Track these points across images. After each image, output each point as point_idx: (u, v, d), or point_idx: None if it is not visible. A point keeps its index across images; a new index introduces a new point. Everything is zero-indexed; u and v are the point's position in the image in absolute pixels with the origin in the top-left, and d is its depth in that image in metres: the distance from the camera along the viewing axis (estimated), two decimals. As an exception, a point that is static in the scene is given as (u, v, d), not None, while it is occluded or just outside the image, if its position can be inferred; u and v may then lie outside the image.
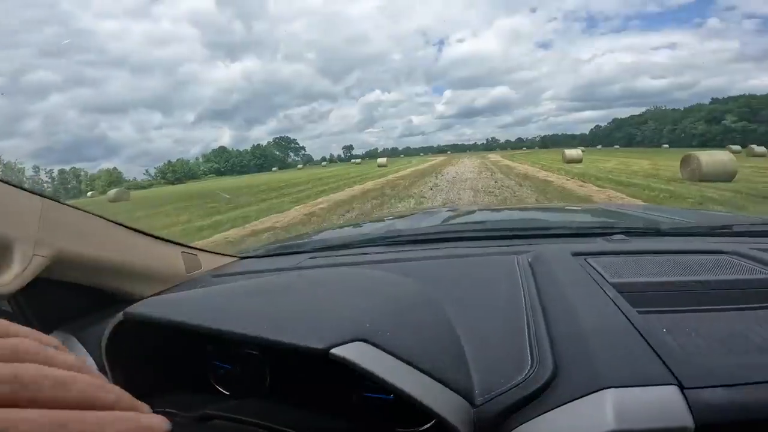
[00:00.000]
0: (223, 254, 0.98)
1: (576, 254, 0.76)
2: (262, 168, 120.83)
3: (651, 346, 0.43)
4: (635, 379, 0.39)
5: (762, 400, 0.36)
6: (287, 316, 0.47)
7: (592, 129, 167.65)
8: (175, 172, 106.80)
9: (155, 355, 0.54)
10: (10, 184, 0.56)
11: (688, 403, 0.36)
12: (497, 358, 0.46)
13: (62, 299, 0.66)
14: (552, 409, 0.39)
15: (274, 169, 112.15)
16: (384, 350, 0.40)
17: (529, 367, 0.43)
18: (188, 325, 0.44)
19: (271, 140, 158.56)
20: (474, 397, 0.41)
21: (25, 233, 0.54)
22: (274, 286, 0.62)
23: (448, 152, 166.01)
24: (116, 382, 0.40)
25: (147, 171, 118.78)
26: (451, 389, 0.40)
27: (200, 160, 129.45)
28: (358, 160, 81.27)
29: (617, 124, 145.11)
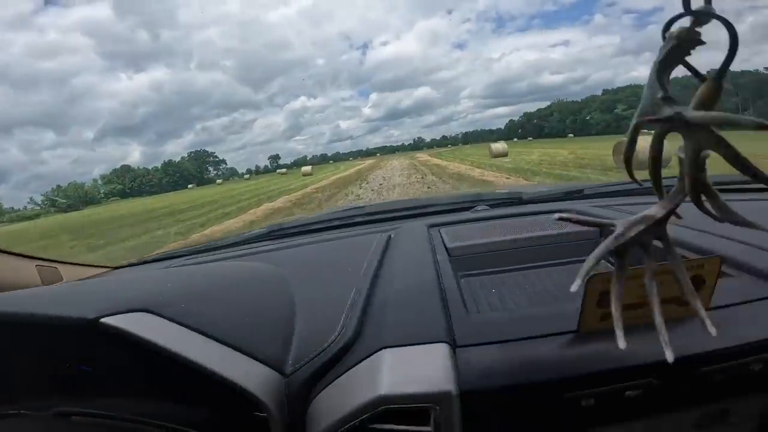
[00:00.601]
0: (93, 266, 0.97)
1: (431, 226, 0.83)
2: (177, 186, 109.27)
3: (444, 309, 0.44)
4: (410, 338, 0.40)
5: (526, 361, 0.37)
6: (73, 299, 0.45)
7: (507, 123, 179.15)
8: (68, 198, 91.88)
9: None
10: None
11: (455, 361, 0.37)
12: (315, 329, 0.47)
13: None
14: (343, 373, 0.40)
15: (190, 186, 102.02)
16: (174, 321, 0.40)
17: (336, 334, 0.45)
18: None
19: (186, 155, 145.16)
20: (285, 367, 0.42)
21: None
22: (98, 282, 0.64)
23: (377, 155, 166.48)
24: None
25: (32, 199, 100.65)
26: (258, 361, 0.41)
27: (99, 182, 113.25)
28: (284, 170, 77.03)
29: (527, 117, 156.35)
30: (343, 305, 0.51)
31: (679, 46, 0.30)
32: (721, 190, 0.30)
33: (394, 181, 14.85)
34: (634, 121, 0.32)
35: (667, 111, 0.29)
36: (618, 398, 0.36)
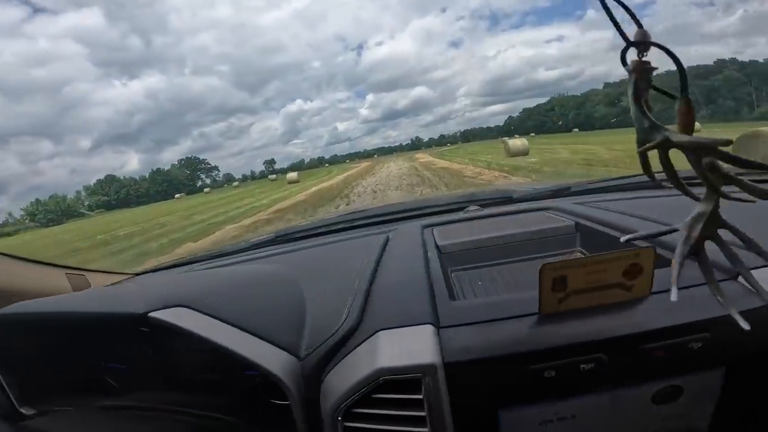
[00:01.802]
0: (117, 272, 1.04)
1: (425, 226, 0.89)
2: (166, 195, 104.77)
3: (431, 298, 0.51)
4: (401, 321, 0.47)
5: (495, 338, 0.43)
6: (121, 299, 0.54)
7: (506, 120, 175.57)
8: (48, 212, 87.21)
9: (41, 357, 0.57)
10: None
11: (440, 340, 0.43)
12: (324, 319, 0.54)
13: None
14: (348, 353, 0.47)
15: (177, 195, 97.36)
16: (206, 314, 0.46)
17: (341, 322, 0.51)
18: (41, 315, 0.51)
19: (176, 162, 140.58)
20: (300, 352, 0.49)
21: None
22: (129, 285, 0.78)
23: (375, 156, 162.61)
24: (8, 384, 0.54)
25: (10, 214, 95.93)
26: (278, 347, 0.48)
27: (83, 194, 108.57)
28: (274, 176, 72.97)
29: (527, 113, 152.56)
30: (347, 297, 0.58)
31: (639, 78, 0.34)
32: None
33: (389, 196, 10.42)
34: (638, 150, 0.36)
35: (658, 137, 0.33)
36: (575, 371, 0.41)
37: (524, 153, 18.86)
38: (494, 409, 0.42)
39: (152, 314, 0.44)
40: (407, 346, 0.44)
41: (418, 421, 0.42)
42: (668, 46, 0.32)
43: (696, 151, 0.32)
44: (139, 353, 0.56)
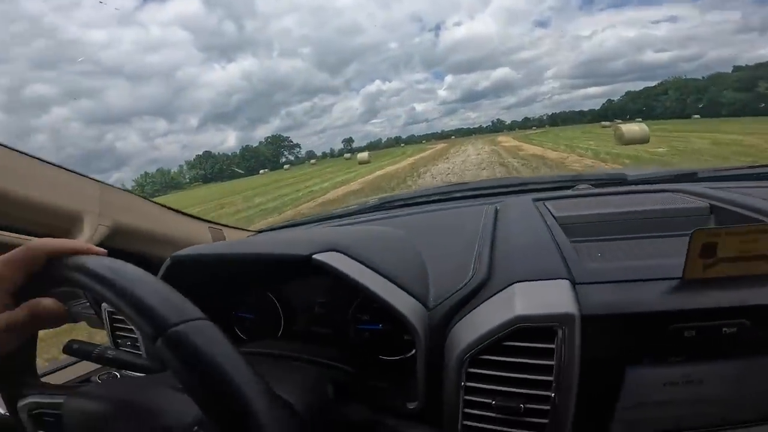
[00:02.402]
0: (245, 229, 1.13)
1: (536, 200, 0.86)
2: (252, 171, 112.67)
3: (562, 257, 0.52)
4: (538, 275, 0.48)
5: (636, 296, 0.44)
6: (284, 243, 0.60)
7: (603, 104, 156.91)
8: (155, 183, 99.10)
9: (213, 296, 0.62)
10: (73, 172, 0.71)
11: (576, 295, 0.44)
12: (449, 274, 0.56)
13: None
14: (480, 304, 0.49)
15: (262, 171, 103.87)
16: (354, 258, 0.51)
17: (469, 277, 0.53)
18: (219, 255, 0.59)
19: (263, 140, 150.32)
20: (429, 302, 0.52)
21: (91, 208, 0.70)
22: (279, 234, 0.95)
23: (452, 137, 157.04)
24: None
25: (123, 184, 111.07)
26: (410, 294, 0.50)
27: (184, 167, 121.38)
28: (348, 155, 73.18)
29: (631, 97, 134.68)
30: (469, 255, 0.59)
31: None
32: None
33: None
34: None
35: None
36: (716, 333, 0.41)
37: (643, 140, 14.90)
38: (622, 365, 0.42)
39: (316, 256, 0.48)
40: (544, 298, 0.45)
41: (544, 370, 0.42)
42: None
43: None
44: (292, 294, 0.66)
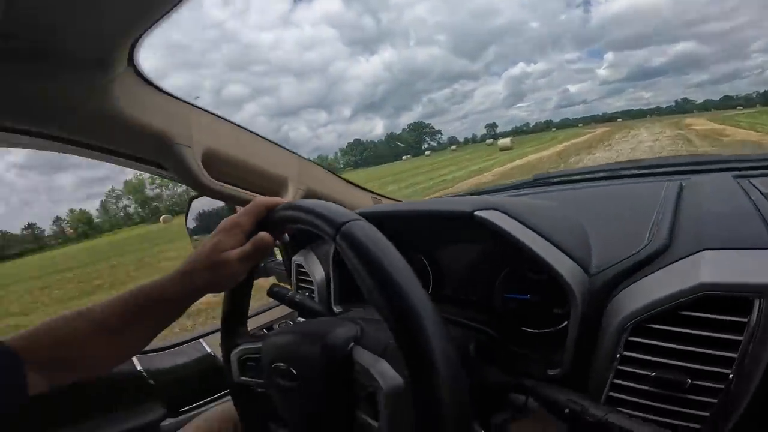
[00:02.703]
0: (397, 200, 1.20)
1: (737, 176, 0.76)
2: (396, 157, 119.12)
3: (765, 224, 0.46)
4: (732, 244, 0.43)
5: None
6: (448, 202, 0.64)
7: None
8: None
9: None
10: (279, 146, 0.88)
11: None
12: (617, 243, 0.53)
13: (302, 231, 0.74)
14: (656, 271, 0.45)
15: (405, 157, 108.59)
16: (515, 219, 0.51)
17: (644, 244, 0.50)
18: (394, 212, 0.64)
19: (406, 127, 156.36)
20: (590, 268, 0.50)
21: (293, 175, 0.89)
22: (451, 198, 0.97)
23: (618, 120, 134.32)
24: (335, 288, 0.75)
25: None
26: (571, 258, 0.49)
27: (339, 154, 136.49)
28: (490, 141, 70.02)
29: None
30: (645, 225, 0.55)
31: None
32: None
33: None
34: None
35: None
36: None
37: None
38: None
39: (478, 212, 0.50)
40: (740, 265, 0.40)
41: (728, 346, 0.37)
42: None
43: None
44: (461, 244, 0.68)
